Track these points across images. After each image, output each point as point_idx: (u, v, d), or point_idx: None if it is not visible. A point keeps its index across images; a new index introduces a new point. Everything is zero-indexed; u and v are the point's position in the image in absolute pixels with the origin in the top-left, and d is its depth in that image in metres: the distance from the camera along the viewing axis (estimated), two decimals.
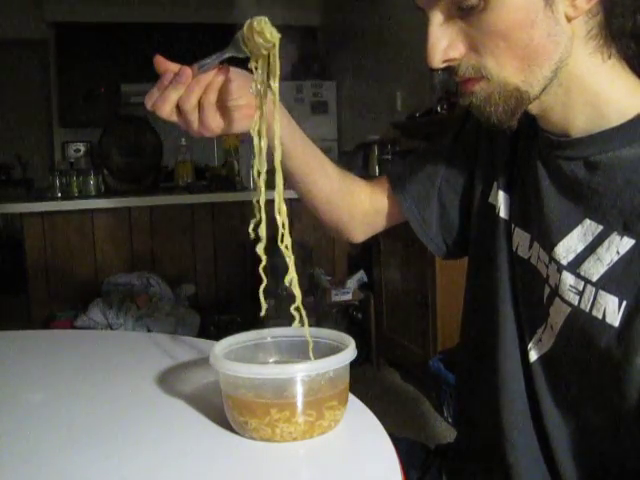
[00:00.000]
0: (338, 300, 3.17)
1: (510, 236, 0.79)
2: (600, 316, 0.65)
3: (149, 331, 2.83)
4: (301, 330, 0.75)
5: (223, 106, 0.74)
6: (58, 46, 5.02)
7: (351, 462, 0.63)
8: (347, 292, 3.16)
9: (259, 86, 0.70)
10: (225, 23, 5.34)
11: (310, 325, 0.70)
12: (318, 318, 3.12)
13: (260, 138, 0.70)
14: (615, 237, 0.65)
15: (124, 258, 3.21)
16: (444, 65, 0.67)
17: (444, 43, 0.66)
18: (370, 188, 0.95)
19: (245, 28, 0.68)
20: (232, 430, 0.67)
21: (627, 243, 0.63)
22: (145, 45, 4.94)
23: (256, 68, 0.70)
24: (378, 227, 0.97)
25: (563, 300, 0.69)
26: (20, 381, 0.89)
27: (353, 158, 3.70)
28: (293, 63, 5.06)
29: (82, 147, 4.15)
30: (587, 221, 0.67)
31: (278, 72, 0.69)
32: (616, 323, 0.63)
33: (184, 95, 0.71)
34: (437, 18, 0.65)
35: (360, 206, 0.94)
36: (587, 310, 0.66)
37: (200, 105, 0.72)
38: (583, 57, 0.65)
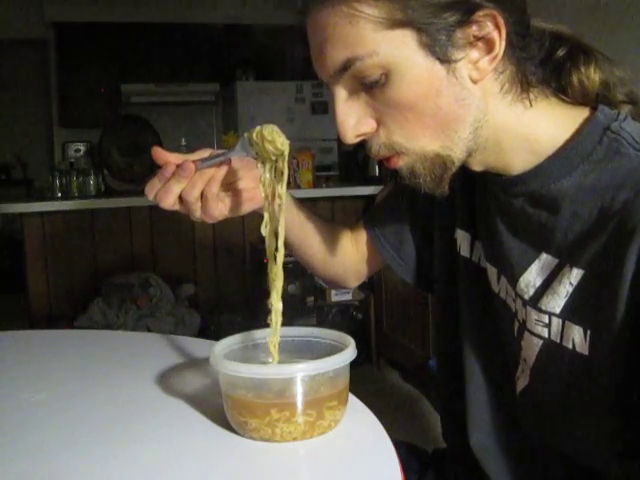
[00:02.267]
0: (338, 300, 3.17)
1: (470, 272, 0.80)
2: (570, 346, 0.65)
3: (149, 331, 2.83)
4: (301, 330, 0.75)
5: (224, 192, 0.76)
6: (58, 46, 5.01)
7: (351, 462, 0.63)
8: (347, 292, 3.16)
9: (267, 188, 0.72)
10: (225, 23, 5.33)
11: (310, 325, 0.71)
12: (318, 318, 3.12)
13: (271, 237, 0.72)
14: (567, 269, 0.65)
15: (124, 258, 3.21)
16: (359, 139, 0.66)
17: (353, 119, 0.65)
18: (354, 237, 0.96)
19: (254, 134, 0.69)
20: (232, 430, 0.67)
21: (577, 274, 0.64)
22: (145, 45, 4.96)
23: (263, 169, 0.72)
24: (368, 272, 0.99)
25: (533, 334, 0.69)
26: (20, 381, 0.89)
27: (353, 158, 3.70)
28: (293, 63, 5.06)
29: (82, 147, 4.15)
30: (544, 255, 0.67)
31: (286, 178, 0.70)
32: (586, 352, 0.63)
33: (187, 188, 0.72)
34: (341, 94, 0.65)
35: (350, 257, 0.96)
36: (558, 341, 0.66)
37: (203, 196, 0.73)
38: (504, 109, 0.65)
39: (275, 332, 0.70)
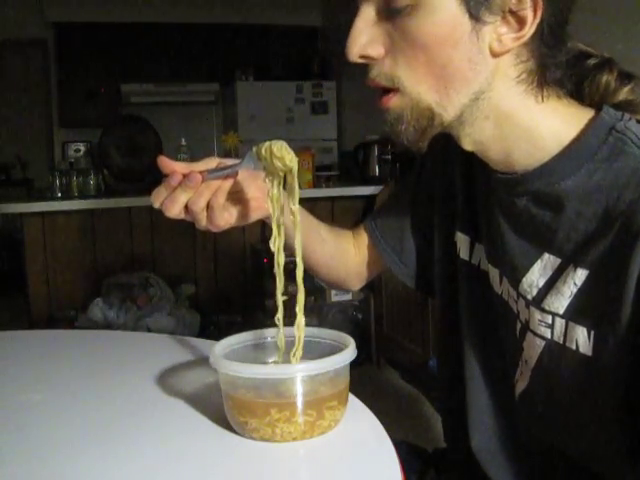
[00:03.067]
0: (338, 300, 3.17)
1: (470, 275, 0.80)
2: (574, 347, 0.64)
3: (149, 331, 2.83)
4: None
5: (229, 201, 0.76)
6: (58, 46, 5.02)
7: (351, 462, 0.63)
8: (347, 292, 3.15)
9: (275, 204, 0.72)
10: (224, 23, 5.32)
11: (310, 325, 0.71)
12: (318, 318, 3.12)
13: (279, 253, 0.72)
14: (571, 269, 0.64)
15: (124, 258, 3.21)
16: (361, 61, 0.66)
17: (364, 38, 0.65)
18: (356, 241, 0.96)
19: (263, 149, 0.69)
20: (232, 430, 0.67)
21: (582, 274, 0.63)
22: (145, 45, 4.96)
23: (271, 185, 0.72)
24: (371, 275, 0.99)
25: (535, 334, 0.69)
26: (20, 381, 0.89)
27: (353, 158, 3.70)
28: (293, 63, 5.06)
29: (82, 147, 4.15)
30: (546, 255, 0.67)
31: (297, 194, 0.70)
32: (590, 353, 0.63)
33: (194, 198, 0.72)
34: (366, 13, 0.65)
35: (352, 260, 0.96)
36: (561, 342, 0.66)
37: (209, 206, 0.73)
38: (514, 96, 0.65)
39: (298, 347, 0.70)
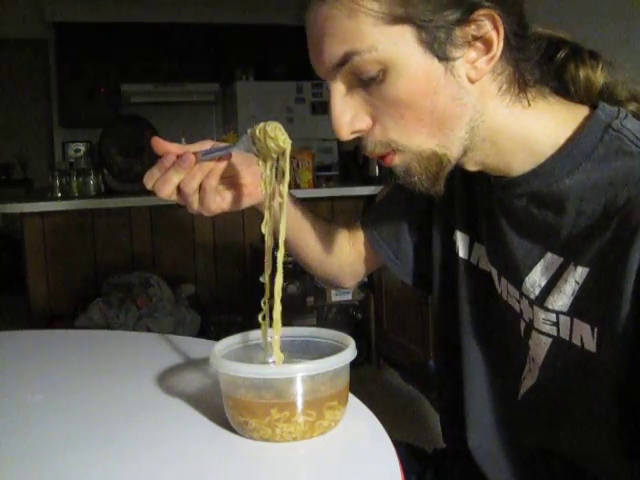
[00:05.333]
0: (338, 300, 3.16)
1: (469, 274, 0.81)
2: (579, 344, 0.65)
3: (149, 331, 2.83)
4: (301, 330, 0.75)
5: (223, 185, 0.76)
6: (58, 46, 5.01)
7: (351, 462, 0.63)
8: (347, 292, 3.15)
9: (268, 187, 0.72)
10: (224, 23, 5.31)
11: (310, 325, 0.71)
12: (318, 318, 3.12)
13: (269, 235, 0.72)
14: (571, 267, 0.65)
15: (124, 258, 3.21)
16: (354, 137, 0.66)
17: (349, 115, 0.64)
18: (351, 237, 0.96)
19: (257, 130, 0.69)
20: (232, 430, 0.67)
21: (583, 272, 0.63)
22: (145, 45, 4.96)
23: (264, 167, 0.72)
24: (365, 272, 0.99)
25: (541, 333, 0.69)
26: (20, 381, 0.89)
27: (353, 158, 3.70)
28: (293, 63, 5.06)
29: (82, 147, 4.15)
30: (548, 254, 0.67)
31: (287, 177, 0.70)
32: (593, 350, 0.63)
33: (186, 179, 0.72)
34: (339, 90, 0.64)
35: (346, 257, 0.96)
36: (567, 339, 0.66)
37: (201, 188, 0.73)
38: (501, 110, 0.65)
39: (277, 330, 0.70)
